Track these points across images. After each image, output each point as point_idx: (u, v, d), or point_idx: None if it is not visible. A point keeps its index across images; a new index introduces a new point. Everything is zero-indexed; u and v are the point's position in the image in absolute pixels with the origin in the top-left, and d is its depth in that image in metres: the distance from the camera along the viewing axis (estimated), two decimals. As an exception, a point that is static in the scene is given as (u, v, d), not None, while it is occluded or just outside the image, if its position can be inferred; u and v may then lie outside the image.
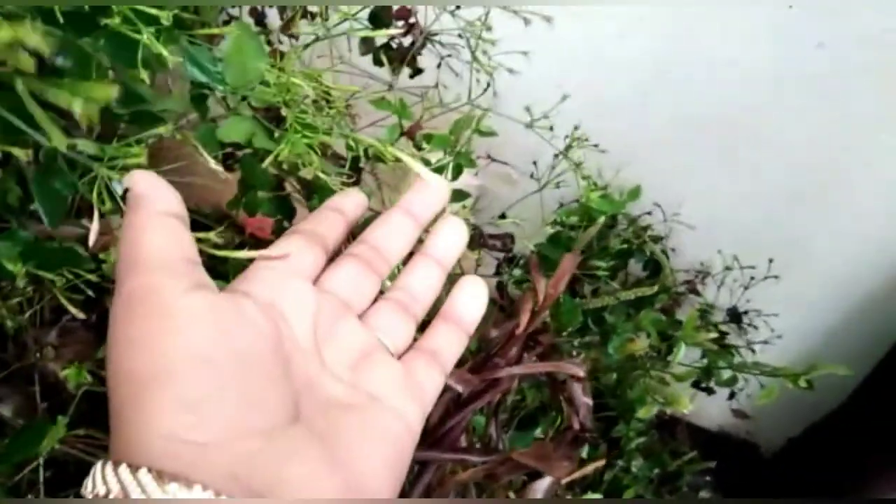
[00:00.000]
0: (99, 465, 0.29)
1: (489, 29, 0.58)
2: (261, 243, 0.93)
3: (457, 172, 0.81)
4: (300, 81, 0.51)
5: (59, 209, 0.42)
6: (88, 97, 0.34)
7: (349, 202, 0.45)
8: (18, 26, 0.31)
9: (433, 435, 0.69)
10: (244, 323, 0.33)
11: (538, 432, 0.94)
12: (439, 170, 0.80)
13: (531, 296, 0.63)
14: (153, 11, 0.36)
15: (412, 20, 0.61)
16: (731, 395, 0.97)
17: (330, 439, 0.32)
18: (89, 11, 0.37)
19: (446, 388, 0.69)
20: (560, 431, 0.79)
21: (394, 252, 0.43)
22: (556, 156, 0.72)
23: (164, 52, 0.37)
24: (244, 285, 0.37)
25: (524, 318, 0.65)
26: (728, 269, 0.85)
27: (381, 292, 0.43)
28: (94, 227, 0.40)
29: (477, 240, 0.69)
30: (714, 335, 0.81)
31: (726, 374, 0.85)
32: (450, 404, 0.70)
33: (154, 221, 0.34)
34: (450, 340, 0.44)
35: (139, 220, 0.34)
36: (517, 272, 0.89)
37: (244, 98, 0.51)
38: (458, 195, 0.81)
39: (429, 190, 0.44)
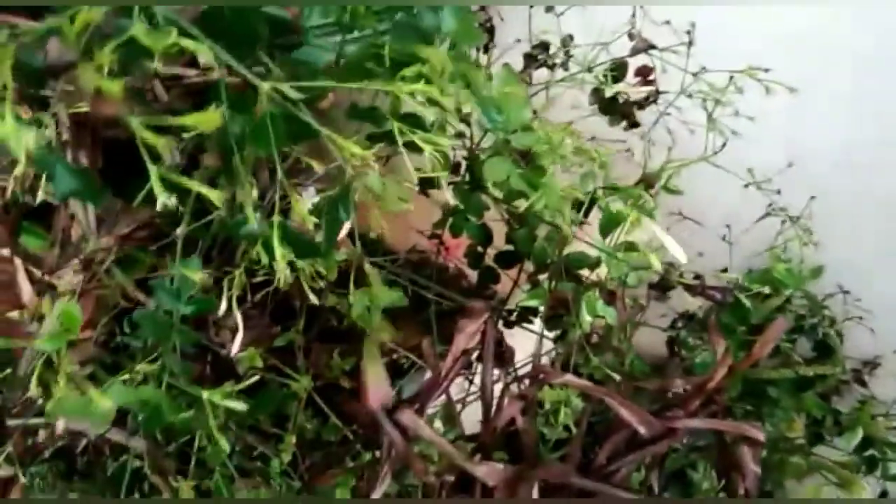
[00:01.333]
0: None
1: (739, 91, 0.61)
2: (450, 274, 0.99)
3: (634, 225, 0.84)
4: (558, 132, 0.56)
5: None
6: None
7: None
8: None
9: (603, 469, 0.71)
10: None
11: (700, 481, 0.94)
12: (616, 219, 0.83)
13: (731, 353, 0.64)
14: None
15: (651, 76, 0.65)
16: (883, 494, 0.93)
17: None
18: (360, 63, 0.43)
19: (623, 427, 0.71)
20: (720, 492, 0.79)
21: None
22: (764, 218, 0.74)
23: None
24: None
25: (719, 374, 0.66)
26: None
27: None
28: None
29: (697, 288, 0.72)
30: (894, 425, 0.80)
31: (893, 467, 0.83)
32: (623, 443, 0.72)
33: None
34: None
35: None
36: (684, 330, 0.91)
37: (507, 141, 0.56)
38: (628, 246, 0.84)
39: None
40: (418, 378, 1.07)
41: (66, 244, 0.68)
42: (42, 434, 0.75)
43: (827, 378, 0.89)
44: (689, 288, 0.76)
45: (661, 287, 0.80)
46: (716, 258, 0.84)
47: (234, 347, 0.71)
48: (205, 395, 0.54)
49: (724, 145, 0.65)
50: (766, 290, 0.78)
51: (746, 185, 0.72)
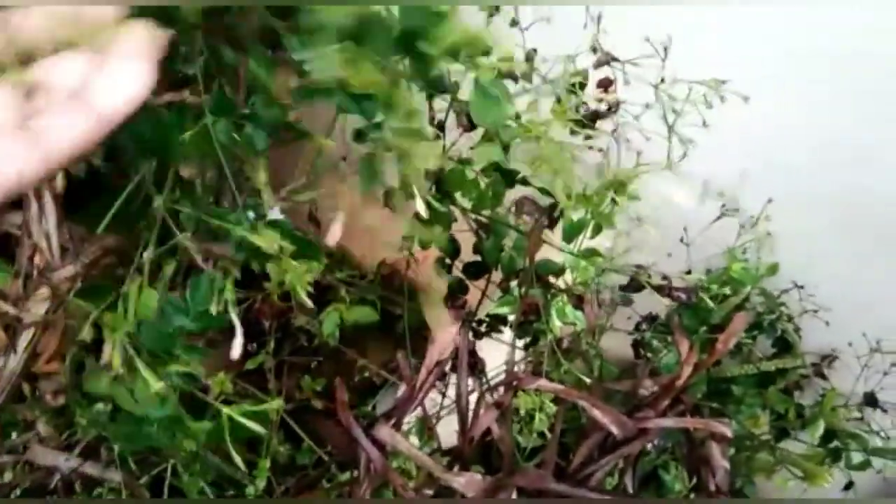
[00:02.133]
0: None
1: (709, 106, 0.64)
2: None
3: (596, 231, 0.87)
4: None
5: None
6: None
7: None
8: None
9: (578, 473, 0.72)
10: None
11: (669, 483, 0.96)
12: (579, 226, 0.85)
13: (695, 352, 0.66)
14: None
15: (611, 88, 0.68)
16: (848, 486, 0.96)
17: None
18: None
19: (597, 430, 0.73)
20: (692, 491, 0.81)
21: None
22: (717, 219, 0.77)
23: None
24: None
25: (685, 372, 0.68)
26: (875, 351, 0.86)
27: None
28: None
29: (665, 289, 0.74)
30: (855, 416, 0.83)
31: (856, 457, 0.86)
32: (597, 447, 0.73)
33: None
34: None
35: None
36: (649, 332, 0.93)
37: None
38: (591, 253, 0.86)
39: None
40: (392, 394, 1.07)
41: (29, 275, 0.67)
42: (10, 473, 0.73)
43: (788, 373, 0.92)
44: (658, 289, 0.78)
45: (632, 289, 0.82)
46: (675, 261, 0.87)
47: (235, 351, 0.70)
48: (225, 410, 0.54)
49: (684, 155, 0.68)
50: (727, 290, 0.81)
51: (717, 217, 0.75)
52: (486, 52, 0.47)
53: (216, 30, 0.45)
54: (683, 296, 0.75)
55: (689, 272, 0.83)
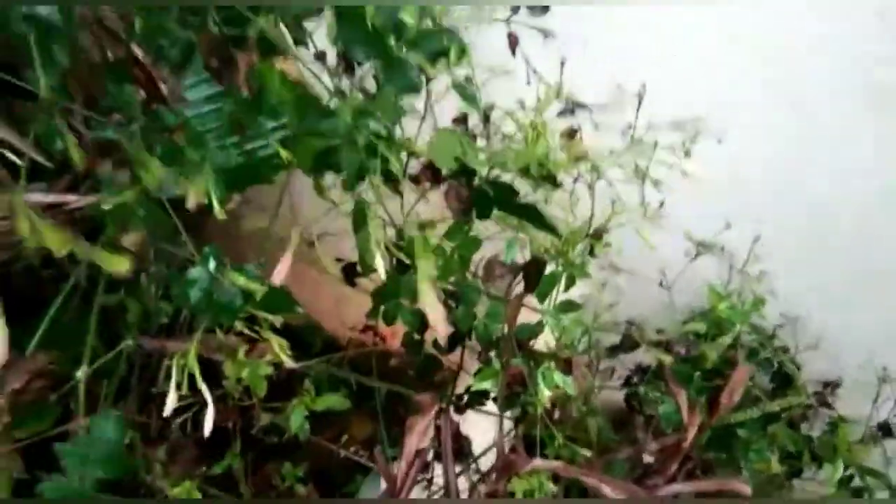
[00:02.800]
0: None
1: (687, 155, 0.60)
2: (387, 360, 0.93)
3: (569, 283, 0.81)
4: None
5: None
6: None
7: None
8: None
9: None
10: None
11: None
12: (551, 280, 0.80)
13: (696, 412, 0.61)
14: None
15: (577, 137, 0.63)
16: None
17: None
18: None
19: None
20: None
21: None
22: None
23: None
24: None
25: (691, 433, 0.62)
26: (884, 381, 0.81)
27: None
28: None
29: (664, 344, 0.69)
30: (872, 450, 0.77)
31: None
32: (606, 525, 0.66)
33: None
34: None
35: None
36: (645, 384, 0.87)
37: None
38: (568, 305, 0.80)
39: None
40: (376, 481, 0.98)
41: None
42: None
43: (792, 407, 0.86)
44: (656, 345, 0.72)
45: (626, 348, 0.77)
46: (654, 304, 0.82)
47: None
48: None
49: (661, 204, 0.63)
50: (714, 331, 0.76)
51: (694, 256, 0.71)
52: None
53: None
54: (683, 350, 0.70)
55: (685, 322, 0.77)
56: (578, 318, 0.75)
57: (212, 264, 0.51)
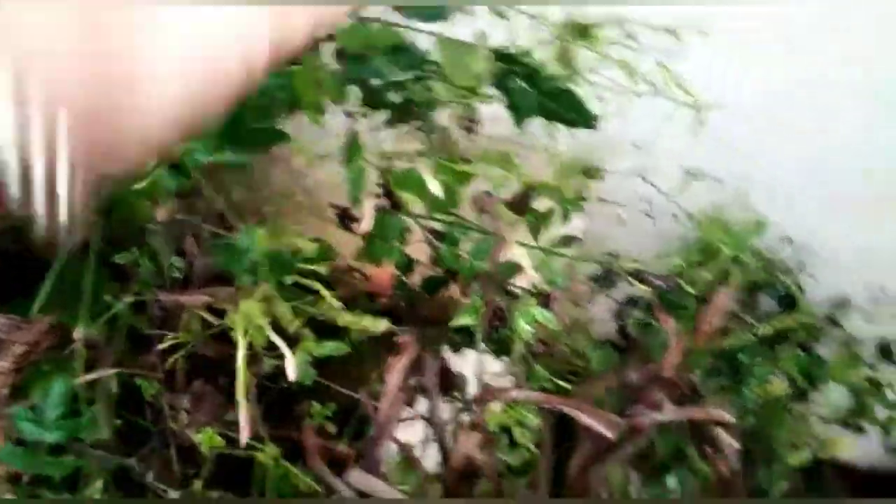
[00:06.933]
0: None
1: None
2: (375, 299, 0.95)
3: (565, 218, 0.81)
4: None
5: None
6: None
7: None
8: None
9: (577, 486, 0.67)
10: None
11: (672, 482, 0.90)
12: (546, 216, 0.79)
13: (680, 338, 0.61)
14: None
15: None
16: (887, 432, 0.89)
17: None
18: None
19: (588, 434, 0.67)
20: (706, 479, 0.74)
21: None
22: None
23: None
24: None
25: (672, 360, 0.62)
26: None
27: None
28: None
29: (639, 275, 0.69)
30: (867, 373, 0.76)
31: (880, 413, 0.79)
32: (590, 455, 0.68)
33: None
34: None
35: None
36: (636, 314, 0.87)
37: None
38: (566, 240, 0.80)
39: None
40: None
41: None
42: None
43: (797, 332, 0.85)
44: (632, 276, 0.72)
45: (606, 279, 0.76)
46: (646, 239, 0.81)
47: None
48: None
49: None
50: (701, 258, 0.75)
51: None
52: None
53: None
54: (660, 282, 0.69)
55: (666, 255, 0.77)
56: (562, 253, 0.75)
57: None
